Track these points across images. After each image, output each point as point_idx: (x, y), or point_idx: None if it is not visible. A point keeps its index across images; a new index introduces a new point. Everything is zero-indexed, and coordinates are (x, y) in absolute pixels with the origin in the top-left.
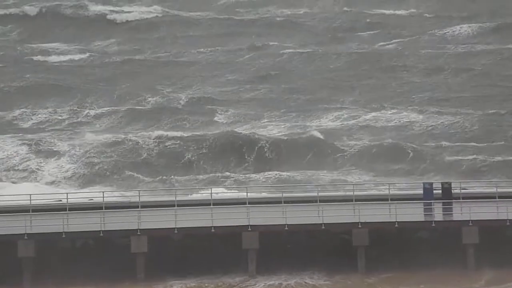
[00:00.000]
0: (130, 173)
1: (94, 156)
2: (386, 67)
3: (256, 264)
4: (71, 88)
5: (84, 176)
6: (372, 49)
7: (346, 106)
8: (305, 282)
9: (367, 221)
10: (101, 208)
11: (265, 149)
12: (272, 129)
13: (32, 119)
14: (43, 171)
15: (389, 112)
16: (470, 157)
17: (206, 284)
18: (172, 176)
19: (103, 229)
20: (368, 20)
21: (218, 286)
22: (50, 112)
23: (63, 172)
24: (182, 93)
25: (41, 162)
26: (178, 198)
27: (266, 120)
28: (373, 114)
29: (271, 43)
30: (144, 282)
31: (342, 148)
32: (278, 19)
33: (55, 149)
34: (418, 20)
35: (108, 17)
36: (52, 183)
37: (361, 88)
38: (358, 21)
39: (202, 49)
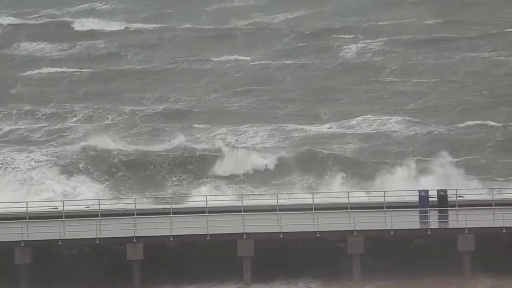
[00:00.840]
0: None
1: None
2: None
3: (251, 271)
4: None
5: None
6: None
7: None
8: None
9: (362, 228)
10: (97, 215)
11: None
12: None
13: None
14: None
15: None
16: None
17: None
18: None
19: (99, 236)
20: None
21: None
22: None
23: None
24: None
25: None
26: (174, 206)
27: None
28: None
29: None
30: None
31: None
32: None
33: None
34: None
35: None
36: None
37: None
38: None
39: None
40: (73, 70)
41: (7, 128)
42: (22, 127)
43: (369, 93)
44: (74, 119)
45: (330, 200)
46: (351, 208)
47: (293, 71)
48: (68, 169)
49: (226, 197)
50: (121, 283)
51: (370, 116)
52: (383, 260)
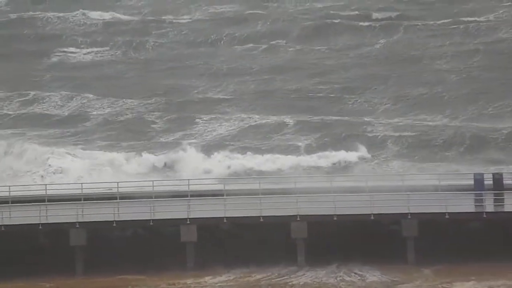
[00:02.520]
0: None
1: None
2: None
3: (305, 254)
4: None
5: None
6: None
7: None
8: (354, 273)
9: (417, 211)
10: (151, 197)
11: None
12: None
13: None
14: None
15: None
16: None
17: (255, 274)
18: None
19: (153, 218)
20: None
21: (267, 276)
22: None
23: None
24: None
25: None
26: (227, 187)
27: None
28: None
29: None
30: (193, 271)
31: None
32: None
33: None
34: None
35: None
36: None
37: None
38: None
39: None
40: None
41: None
42: None
43: None
44: None
45: (385, 182)
46: (405, 191)
47: None
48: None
49: (279, 179)
50: (175, 264)
51: None
52: (437, 244)
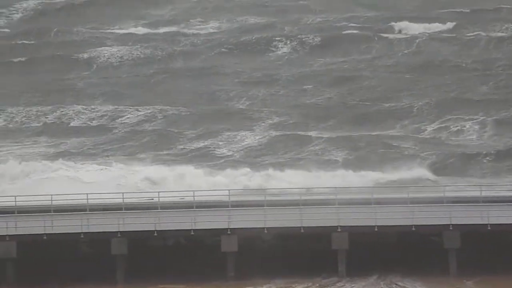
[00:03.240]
0: None
1: None
2: None
3: (346, 264)
4: None
5: None
6: None
7: None
8: (395, 284)
9: (458, 223)
10: (192, 207)
11: None
12: None
13: None
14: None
15: None
16: None
17: (295, 285)
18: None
19: (194, 228)
20: None
21: (307, 286)
22: None
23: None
24: None
25: None
26: (268, 198)
27: None
28: None
29: None
30: (234, 281)
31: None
32: None
33: None
34: None
35: None
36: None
37: None
38: None
39: None
40: None
41: None
42: None
43: None
44: None
45: (425, 194)
46: (447, 202)
47: None
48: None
49: (320, 190)
50: (215, 274)
51: None
52: (480, 255)
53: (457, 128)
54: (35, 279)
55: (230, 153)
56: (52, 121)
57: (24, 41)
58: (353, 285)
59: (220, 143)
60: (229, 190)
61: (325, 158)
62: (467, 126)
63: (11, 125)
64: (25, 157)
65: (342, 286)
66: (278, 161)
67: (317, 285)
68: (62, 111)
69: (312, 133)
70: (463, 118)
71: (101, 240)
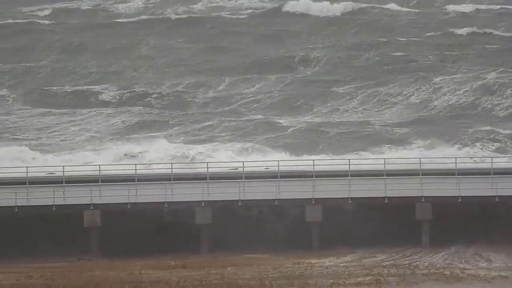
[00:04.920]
0: None
1: None
2: None
3: (429, 235)
4: None
5: None
6: None
7: None
8: (479, 255)
9: None
10: (276, 177)
11: None
12: None
13: None
14: None
15: None
16: None
17: (379, 254)
18: None
19: (278, 197)
20: None
21: (391, 257)
22: None
23: None
24: None
25: None
26: (352, 168)
27: None
28: None
29: None
30: (318, 251)
31: None
32: None
33: None
34: None
35: None
36: None
37: None
38: None
39: None
40: None
41: None
42: None
43: None
44: None
45: (509, 164)
46: None
47: None
48: None
49: (403, 160)
50: (300, 244)
51: None
52: None
53: None
54: (119, 249)
55: None
56: None
57: None
58: (436, 255)
59: None
60: (313, 160)
61: None
62: None
63: None
64: None
65: (426, 256)
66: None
67: (401, 255)
68: None
69: None
70: None
71: (186, 209)
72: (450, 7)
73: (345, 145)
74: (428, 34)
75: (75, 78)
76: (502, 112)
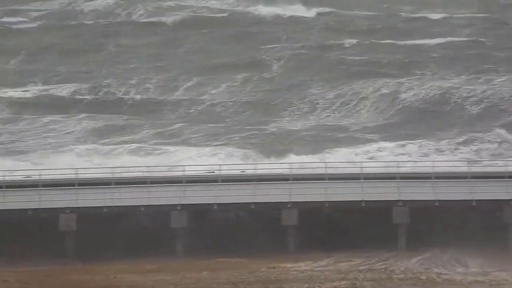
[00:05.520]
0: None
1: None
2: None
3: (406, 239)
4: None
5: None
6: None
7: None
8: (455, 259)
9: None
10: (252, 180)
11: None
12: None
13: None
14: None
15: None
16: None
17: (355, 259)
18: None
19: (254, 201)
20: None
21: (367, 261)
22: None
23: None
24: None
25: None
26: (329, 171)
27: None
28: None
29: None
30: (294, 254)
31: None
32: None
33: None
34: None
35: None
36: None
37: None
38: None
39: None
40: None
41: None
42: None
43: None
44: None
45: (488, 169)
46: (509, 177)
47: None
48: None
49: (380, 164)
50: (275, 248)
51: None
52: None
53: None
54: (95, 253)
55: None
56: None
57: None
58: (413, 260)
59: None
60: (290, 163)
61: None
62: None
63: None
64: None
65: (402, 260)
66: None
67: (377, 259)
68: None
69: None
70: None
71: (162, 212)
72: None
73: (318, 147)
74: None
75: (42, 79)
76: (474, 113)
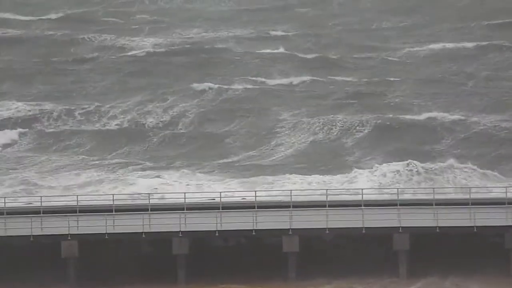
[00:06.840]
0: None
1: None
2: None
3: (407, 266)
4: None
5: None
6: None
7: None
8: (456, 285)
9: None
10: (253, 207)
11: None
12: None
13: None
14: None
15: None
16: None
17: (356, 285)
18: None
19: (255, 228)
20: None
21: (368, 287)
22: None
23: None
24: None
25: None
26: (329, 198)
27: None
28: None
29: None
30: (295, 281)
31: None
32: None
33: None
34: None
35: None
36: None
37: None
38: None
39: None
40: None
41: None
42: None
43: None
44: None
45: (487, 195)
46: (509, 203)
47: None
48: None
49: (380, 191)
50: (277, 275)
51: None
52: None
53: None
54: (96, 279)
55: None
56: None
57: None
58: (413, 286)
59: None
60: (290, 190)
61: None
62: None
63: None
64: None
65: (402, 287)
66: None
67: (378, 285)
68: None
69: None
70: None
71: (163, 239)
72: None
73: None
74: None
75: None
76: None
